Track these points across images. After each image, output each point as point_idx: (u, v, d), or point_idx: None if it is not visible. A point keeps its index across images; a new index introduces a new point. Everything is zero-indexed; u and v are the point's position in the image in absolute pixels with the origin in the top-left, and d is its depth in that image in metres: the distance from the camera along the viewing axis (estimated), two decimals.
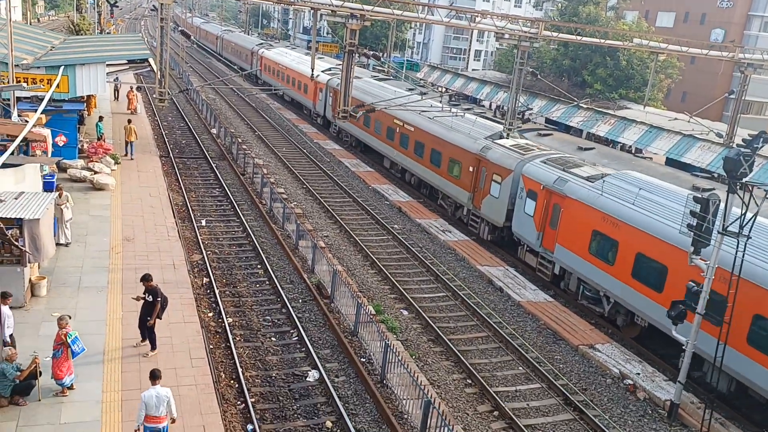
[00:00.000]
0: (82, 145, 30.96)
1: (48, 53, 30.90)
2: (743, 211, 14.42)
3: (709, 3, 77.69)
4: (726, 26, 76.25)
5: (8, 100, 24.16)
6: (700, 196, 15.89)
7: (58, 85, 26.17)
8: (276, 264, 23.24)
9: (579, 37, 37.53)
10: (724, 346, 14.78)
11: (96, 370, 14.48)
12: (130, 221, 23.84)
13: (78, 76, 27.54)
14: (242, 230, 26.29)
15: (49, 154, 24.00)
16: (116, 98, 47.66)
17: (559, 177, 23.53)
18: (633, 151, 40.78)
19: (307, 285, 21.51)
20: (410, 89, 41.71)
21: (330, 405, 15.44)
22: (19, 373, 12.88)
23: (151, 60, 33.13)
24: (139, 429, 11.90)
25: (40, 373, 13.20)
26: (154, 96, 36.30)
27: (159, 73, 30.94)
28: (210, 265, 22.07)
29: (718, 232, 15.22)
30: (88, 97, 36.29)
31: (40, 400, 13.17)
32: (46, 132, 23.64)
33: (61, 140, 26.35)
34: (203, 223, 26.46)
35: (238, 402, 15.05)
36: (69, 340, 13.30)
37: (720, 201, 15.63)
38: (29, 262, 16.67)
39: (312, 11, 30.05)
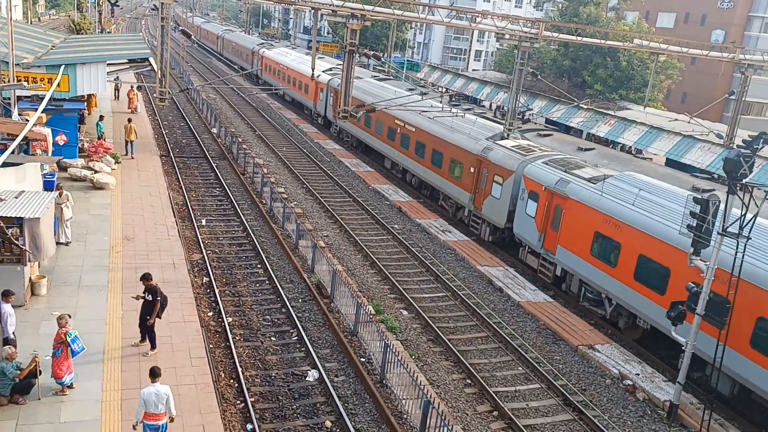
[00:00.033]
0: (83, 145, 30.95)
1: (49, 52, 30.90)
2: (743, 212, 14.42)
3: (710, 4, 77.73)
4: (726, 27, 76.25)
5: (9, 98, 24.21)
6: (699, 196, 15.90)
7: (58, 84, 26.20)
8: (276, 263, 23.26)
9: (579, 38, 37.50)
10: (723, 348, 14.78)
11: (96, 369, 14.49)
12: (130, 220, 23.85)
13: (78, 75, 27.56)
14: (242, 230, 26.30)
15: (50, 153, 24.04)
16: (117, 97, 47.69)
17: (561, 178, 23.49)
18: (633, 152, 40.74)
19: (307, 285, 21.52)
20: (411, 89, 41.73)
21: (329, 405, 15.45)
22: (19, 372, 12.89)
23: (151, 59, 33.15)
24: (136, 425, 11.91)
25: (40, 371, 13.22)
26: (155, 95, 36.30)
27: (159, 72, 30.93)
28: (210, 265, 22.09)
29: (718, 233, 15.23)
30: (89, 96, 36.32)
31: (39, 399, 13.18)
32: (47, 131, 23.64)
33: (61, 139, 26.35)
34: (203, 222, 26.47)
35: (238, 401, 15.07)
36: (69, 339, 13.31)
37: (720, 202, 15.63)
38: (29, 261, 16.68)
39: (313, 11, 30.06)
